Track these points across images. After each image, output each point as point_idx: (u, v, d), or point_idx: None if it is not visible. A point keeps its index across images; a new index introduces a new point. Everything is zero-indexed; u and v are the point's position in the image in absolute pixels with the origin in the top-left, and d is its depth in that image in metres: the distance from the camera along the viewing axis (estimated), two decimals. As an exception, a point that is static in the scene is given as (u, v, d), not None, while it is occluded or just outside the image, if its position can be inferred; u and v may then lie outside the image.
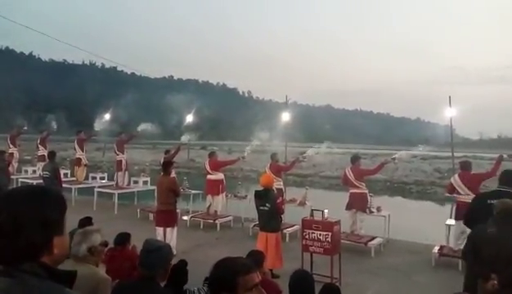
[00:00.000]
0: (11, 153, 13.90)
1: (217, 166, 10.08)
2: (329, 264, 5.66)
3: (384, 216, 8.16)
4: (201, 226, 9.30)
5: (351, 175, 8.15)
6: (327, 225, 5.72)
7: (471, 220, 4.23)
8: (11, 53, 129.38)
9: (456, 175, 7.27)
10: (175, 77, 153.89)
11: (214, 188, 9.83)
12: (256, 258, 3.32)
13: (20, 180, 12.58)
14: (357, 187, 8.06)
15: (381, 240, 7.88)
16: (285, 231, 7.94)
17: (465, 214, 4.62)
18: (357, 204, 8.05)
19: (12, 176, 12.09)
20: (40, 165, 13.39)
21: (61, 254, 1.09)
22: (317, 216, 5.92)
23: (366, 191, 8.20)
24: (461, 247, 6.71)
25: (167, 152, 11.73)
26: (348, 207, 8.16)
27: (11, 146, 14.27)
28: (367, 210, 8.09)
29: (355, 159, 8.45)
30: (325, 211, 5.88)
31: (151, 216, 9.42)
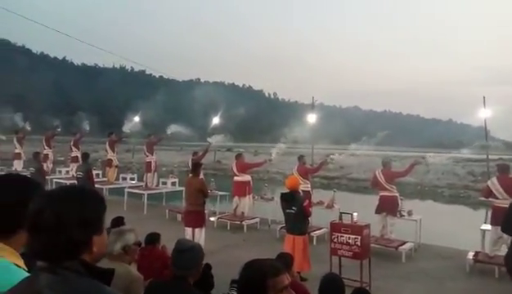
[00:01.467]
0: (46, 155, 14.46)
1: (244, 168, 10.12)
2: (358, 268, 5.55)
3: (416, 220, 7.94)
4: (228, 227, 9.34)
5: (382, 178, 7.97)
6: (356, 229, 5.62)
7: (510, 226, 4.03)
8: (45, 58, 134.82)
9: (495, 179, 6.97)
10: (202, 80, 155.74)
11: (241, 189, 9.87)
12: (285, 260, 3.29)
13: (54, 180, 13.02)
14: (388, 190, 7.88)
15: (412, 245, 7.66)
16: (312, 234, 7.86)
17: (504, 220, 4.41)
18: (388, 207, 7.86)
19: (47, 177, 12.55)
20: (73, 166, 13.87)
21: (100, 252, 1.11)
22: (346, 220, 5.82)
23: (397, 194, 8.00)
24: (498, 253, 6.46)
25: (195, 153, 11.89)
26: (378, 210, 7.98)
27: (46, 148, 14.85)
28: (398, 213, 7.90)
29: (386, 162, 8.27)
30: (355, 214, 5.77)
31: (179, 216, 9.56)
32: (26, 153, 15.30)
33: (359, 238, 5.58)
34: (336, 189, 10.51)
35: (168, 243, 4.78)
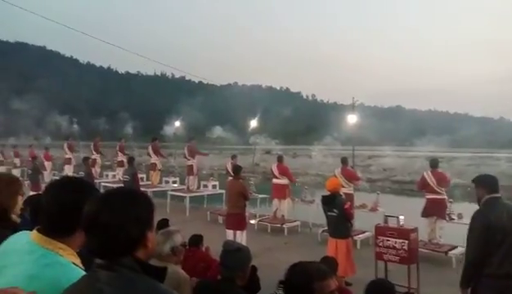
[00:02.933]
0: (94, 160, 15.14)
1: (285, 170, 10.06)
2: (404, 273, 5.32)
3: (466, 224, 7.50)
4: (269, 230, 9.32)
5: (432, 180, 7.62)
6: (403, 232, 5.39)
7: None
8: (92, 67, 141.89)
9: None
10: (239, 84, 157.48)
11: (281, 192, 9.82)
12: (329, 264, 3.21)
13: (102, 184, 13.59)
14: (437, 193, 7.53)
15: (463, 249, 7.25)
16: (355, 238, 7.66)
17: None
18: (436, 211, 7.51)
19: (95, 181, 13.14)
20: (119, 170, 14.44)
21: (153, 249, 1.16)
22: (392, 223, 5.60)
23: (445, 197, 7.64)
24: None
25: (233, 157, 11.99)
26: (426, 213, 7.65)
27: (94, 153, 15.55)
28: (447, 217, 7.52)
29: (435, 163, 7.91)
30: (401, 217, 5.55)
31: (221, 218, 9.66)
32: (76, 158, 16.15)
33: (406, 242, 5.35)
34: (379, 191, 10.19)
35: (210, 245, 4.84)
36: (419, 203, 7.95)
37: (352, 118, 19.26)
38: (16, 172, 16.29)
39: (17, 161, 18.11)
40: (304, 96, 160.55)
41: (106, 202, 1.11)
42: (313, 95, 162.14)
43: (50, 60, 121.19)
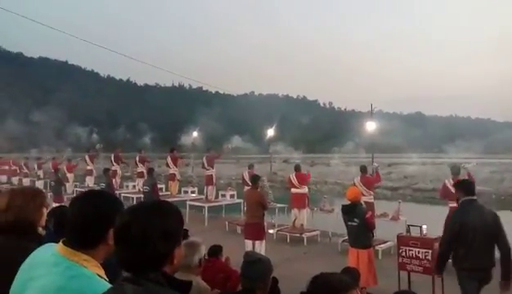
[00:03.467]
0: (115, 171, 15.38)
1: (304, 179, 9.99)
2: (428, 284, 5.17)
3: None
4: (288, 240, 9.24)
5: (453, 188, 7.43)
6: (427, 242, 5.26)
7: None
8: (111, 80, 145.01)
9: None
10: (256, 93, 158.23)
11: (300, 201, 9.74)
12: (351, 275, 3.15)
13: (122, 194, 13.77)
14: (460, 201, 7.32)
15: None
16: (377, 247, 7.51)
17: None
18: (460, 219, 7.29)
19: (116, 192, 13.33)
20: (139, 181, 14.63)
21: (179, 264, 1.17)
22: (414, 232, 5.48)
23: (469, 205, 7.40)
24: None
25: (250, 166, 11.99)
26: (449, 222, 7.43)
27: (115, 164, 15.81)
28: (471, 226, 7.29)
29: (456, 170, 7.71)
30: (424, 226, 5.42)
31: (239, 228, 9.64)
32: (97, 169, 16.46)
33: (430, 251, 5.22)
34: (401, 200, 10.00)
35: (229, 255, 4.82)
36: (442, 212, 7.73)
37: (370, 125, 19.01)
38: (39, 184, 16.73)
39: (40, 173, 18.56)
40: (321, 104, 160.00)
41: (136, 217, 1.11)
42: (330, 103, 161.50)
43: (71, 74, 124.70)
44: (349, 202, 5.91)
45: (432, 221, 7.27)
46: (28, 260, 1.34)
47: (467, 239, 3.81)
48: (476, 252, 3.85)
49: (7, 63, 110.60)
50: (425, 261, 5.24)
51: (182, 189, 14.27)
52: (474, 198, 4.01)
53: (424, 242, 5.29)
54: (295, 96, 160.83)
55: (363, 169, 9.17)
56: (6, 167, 20.31)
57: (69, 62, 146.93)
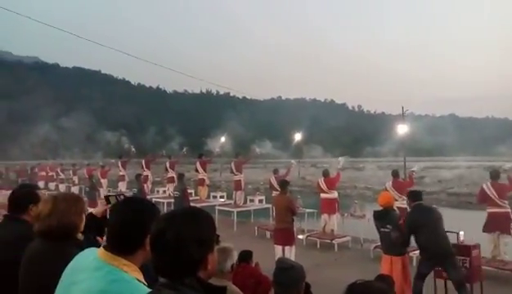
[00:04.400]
0: (146, 176, 15.73)
1: (333, 184, 9.86)
2: (467, 293, 4.96)
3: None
4: (318, 246, 9.12)
5: (492, 193, 7.12)
6: (464, 249, 5.07)
7: None
8: (142, 88, 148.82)
9: None
10: (283, 98, 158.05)
11: (330, 207, 9.61)
12: (386, 283, 3.06)
13: (153, 199, 14.05)
14: (499, 206, 7.00)
15: (533, 268, 6.65)
16: (411, 254, 7.25)
17: None
18: (500, 225, 6.97)
19: (147, 196, 13.61)
20: (170, 186, 14.88)
21: (213, 270, 1.19)
22: (451, 239, 5.28)
23: (509, 210, 7.07)
24: None
25: (275, 171, 11.96)
26: (488, 228, 7.12)
27: (146, 169, 16.17)
28: (512, 232, 6.96)
29: (496, 174, 7.38)
30: (461, 233, 5.22)
31: (268, 233, 9.60)
32: (129, 174, 16.89)
33: (468, 259, 5.04)
34: (435, 205, 9.66)
35: (258, 260, 4.80)
36: (479, 217, 7.43)
37: (402, 128, 18.53)
38: (75, 189, 17.35)
39: (75, 178, 19.23)
40: (350, 107, 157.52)
41: (171, 224, 1.14)
42: (359, 106, 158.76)
43: (104, 83, 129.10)
44: (381, 208, 5.76)
45: (469, 227, 7.00)
46: (71, 265, 1.39)
47: (420, 232, 5.10)
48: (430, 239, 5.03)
49: (44, 73, 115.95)
50: (463, 269, 5.04)
51: (211, 194, 14.40)
52: (421, 202, 5.38)
53: (462, 249, 5.11)
54: (323, 100, 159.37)
55: (395, 173, 8.94)
56: (44, 173, 21.16)
57: (102, 71, 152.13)
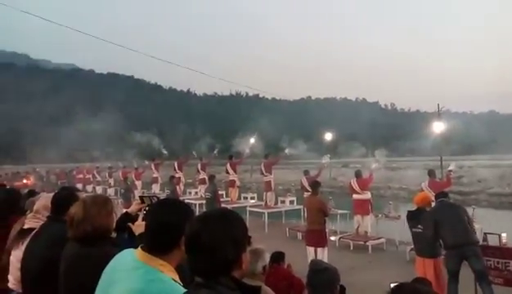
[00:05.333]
0: (178, 178, 16.01)
1: (365, 184, 9.66)
2: (512, 298, 4.73)
3: None
4: (351, 247, 8.97)
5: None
6: (507, 252, 4.83)
7: None
8: (173, 91, 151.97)
9: None
10: (313, 97, 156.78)
11: (363, 208, 9.43)
12: (426, 286, 2.95)
13: (185, 201, 14.23)
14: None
15: None
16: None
17: None
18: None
19: (180, 198, 13.86)
20: (201, 187, 15.09)
21: (247, 269, 1.21)
22: (492, 241, 5.05)
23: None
24: None
25: (306, 172, 11.85)
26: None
27: (178, 171, 16.46)
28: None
29: None
30: (503, 234, 4.98)
31: (300, 234, 9.53)
32: (162, 176, 17.27)
33: (511, 262, 4.78)
34: (475, 206, 9.26)
35: (290, 262, 4.77)
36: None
37: (438, 126, 17.85)
38: (111, 191, 17.93)
39: (111, 181, 19.86)
40: (383, 106, 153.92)
41: (206, 224, 1.17)
42: (393, 104, 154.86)
43: (138, 88, 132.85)
44: (416, 208, 5.59)
45: (510, 228, 6.65)
46: (110, 264, 1.45)
47: (443, 228, 5.13)
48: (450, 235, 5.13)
49: (81, 79, 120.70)
50: (506, 272, 4.83)
51: (242, 195, 14.46)
52: (444, 199, 5.44)
53: (505, 251, 4.88)
54: (354, 99, 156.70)
55: (431, 173, 8.65)
56: (81, 176, 22.00)
57: (135, 77, 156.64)
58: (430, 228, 5.14)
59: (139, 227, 1.86)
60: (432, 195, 7.63)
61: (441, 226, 5.05)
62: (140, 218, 2.09)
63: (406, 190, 18.04)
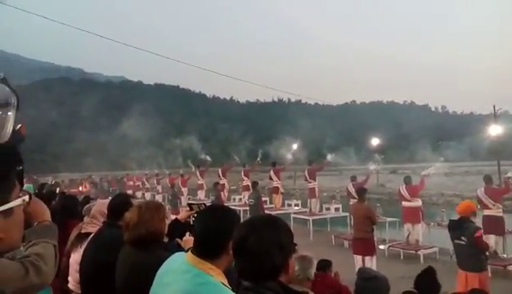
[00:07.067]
0: (223, 184, 16.27)
1: (415, 191, 9.27)
2: None
3: None
4: (401, 257, 8.63)
5: None
6: None
7: None
8: (216, 100, 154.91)
9: None
10: (357, 102, 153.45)
11: (413, 215, 9.04)
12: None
13: (230, 207, 14.40)
14: None
15: None
16: (510, 267, 6.52)
17: None
18: None
19: (224, 204, 14.06)
20: (245, 194, 15.23)
21: (292, 275, 1.17)
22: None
23: None
24: None
25: (353, 178, 11.59)
26: None
27: (222, 178, 16.73)
28: None
29: None
30: None
31: (346, 243, 9.31)
32: (206, 183, 17.62)
33: None
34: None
35: (337, 270, 4.66)
36: None
37: (494, 129, 16.77)
38: (159, 198, 18.55)
39: (159, 188, 20.56)
40: (433, 109, 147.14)
41: (253, 230, 1.20)
42: (443, 107, 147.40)
43: (183, 97, 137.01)
44: (458, 217, 5.22)
45: None
46: (163, 267, 1.50)
47: None
48: None
49: (129, 90, 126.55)
50: None
51: (286, 202, 14.40)
52: None
53: None
54: (401, 102, 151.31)
55: (487, 179, 8.11)
56: (131, 183, 22.99)
57: (181, 86, 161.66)
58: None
59: (187, 242, 1.93)
60: (489, 203, 7.19)
61: None
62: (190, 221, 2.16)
63: (460, 197, 17.05)
